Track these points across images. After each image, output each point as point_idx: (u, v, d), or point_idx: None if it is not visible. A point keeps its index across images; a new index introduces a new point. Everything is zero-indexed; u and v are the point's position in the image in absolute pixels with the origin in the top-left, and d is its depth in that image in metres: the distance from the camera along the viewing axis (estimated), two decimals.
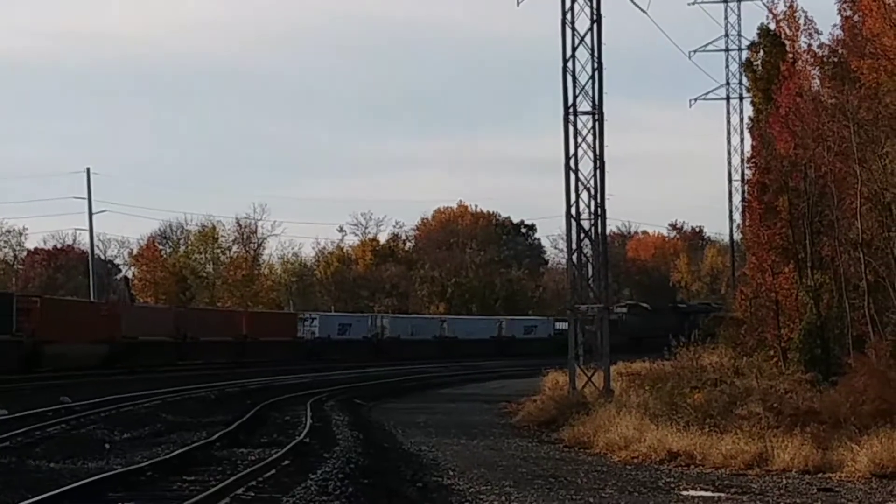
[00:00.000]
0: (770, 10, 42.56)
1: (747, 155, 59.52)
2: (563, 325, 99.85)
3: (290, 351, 79.12)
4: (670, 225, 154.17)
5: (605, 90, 39.28)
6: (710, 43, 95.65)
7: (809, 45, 39.34)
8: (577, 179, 39.45)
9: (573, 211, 39.64)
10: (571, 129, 39.41)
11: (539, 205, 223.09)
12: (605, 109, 39.21)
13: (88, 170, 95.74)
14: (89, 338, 57.47)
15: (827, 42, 38.64)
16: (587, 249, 40.77)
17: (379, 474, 21.70)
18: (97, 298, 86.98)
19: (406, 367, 71.64)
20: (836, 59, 38.01)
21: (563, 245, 70.27)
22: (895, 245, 31.06)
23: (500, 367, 72.85)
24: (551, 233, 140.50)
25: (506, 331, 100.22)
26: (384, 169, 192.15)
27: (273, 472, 20.95)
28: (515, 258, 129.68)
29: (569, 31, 39.52)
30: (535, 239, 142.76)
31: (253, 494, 18.37)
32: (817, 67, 39.36)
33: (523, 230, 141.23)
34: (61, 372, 51.48)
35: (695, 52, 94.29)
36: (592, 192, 39.44)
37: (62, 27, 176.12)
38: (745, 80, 68.91)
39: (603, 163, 39.27)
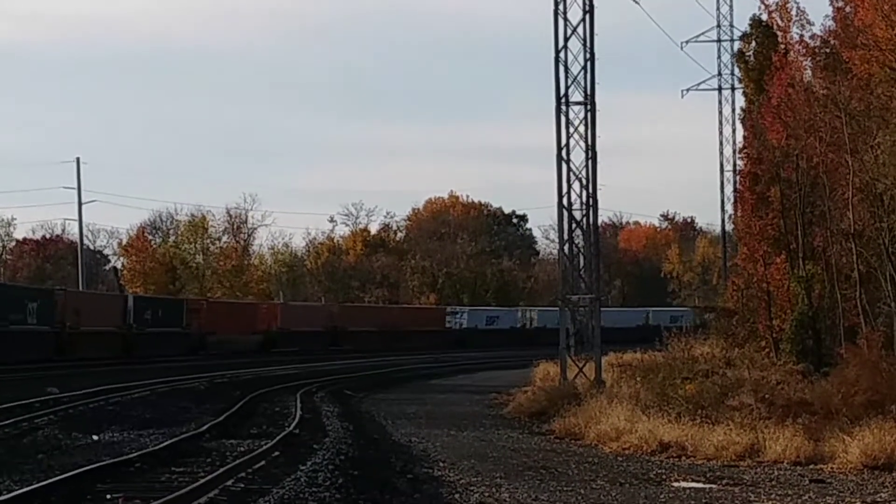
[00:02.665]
0: (762, 1, 42.32)
1: (739, 145, 59.33)
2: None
3: (438, 339, 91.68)
4: (662, 215, 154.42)
5: (597, 80, 39.23)
6: (703, 33, 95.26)
7: (801, 36, 39.20)
8: (569, 170, 39.35)
9: (565, 201, 39.54)
10: (563, 119, 39.31)
11: (531, 195, 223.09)
12: (597, 100, 39.14)
13: (78, 159, 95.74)
14: (248, 329, 76.78)
15: (819, 33, 38.52)
16: (579, 240, 40.68)
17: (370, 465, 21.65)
18: (86, 289, 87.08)
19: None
20: (827, 50, 37.88)
21: (554, 235, 70.24)
22: (887, 235, 30.97)
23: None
24: (543, 223, 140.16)
25: (652, 320, 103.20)
26: (375, 159, 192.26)
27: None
28: (507, 249, 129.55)
29: (561, 22, 39.39)
30: (527, 229, 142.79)
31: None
32: (809, 58, 39.23)
33: (515, 220, 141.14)
34: (225, 355, 66.71)
35: (687, 42, 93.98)
36: (584, 182, 39.34)
37: (50, 12, 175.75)
38: (737, 70, 68.63)
39: (595, 153, 39.18)
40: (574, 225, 40.06)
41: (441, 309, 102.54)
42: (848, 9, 35.02)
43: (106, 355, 59.14)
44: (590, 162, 39.19)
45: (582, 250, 41.04)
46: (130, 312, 65.91)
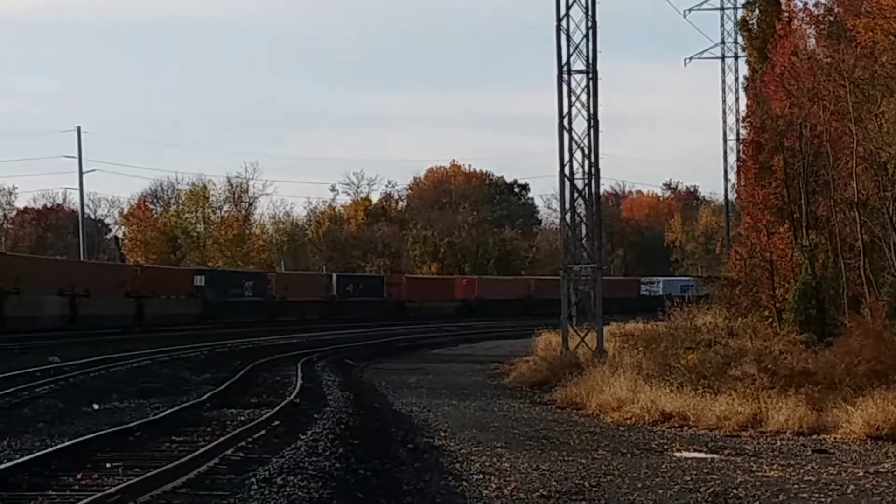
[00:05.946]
0: None
1: (742, 114, 59.12)
2: None
3: (633, 305, 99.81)
4: (665, 184, 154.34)
5: (599, 49, 39.03)
6: (706, 1, 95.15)
7: (805, 4, 38.93)
8: (571, 139, 39.17)
9: (567, 170, 39.37)
10: (565, 88, 39.11)
11: (533, 164, 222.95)
12: (599, 68, 38.95)
13: (79, 128, 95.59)
14: (446, 298, 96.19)
15: (823, 1, 38.28)
16: (581, 209, 40.53)
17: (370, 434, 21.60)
18: (87, 258, 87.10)
19: None
20: (831, 18, 37.62)
21: (556, 205, 70.32)
22: (891, 205, 30.80)
23: None
24: (545, 192, 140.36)
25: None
26: (376, 128, 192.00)
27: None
28: (508, 218, 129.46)
29: None
30: (529, 198, 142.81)
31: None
32: (813, 26, 38.97)
33: (517, 190, 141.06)
34: (423, 319, 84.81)
35: (690, 10, 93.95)
36: (586, 151, 39.17)
37: None
38: (740, 39, 68.50)
39: (597, 122, 39.01)
40: (576, 194, 39.91)
41: (636, 279, 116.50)
42: None
43: (314, 318, 76.53)
44: (591, 131, 39.01)
45: (584, 219, 40.90)
46: (334, 286, 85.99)
